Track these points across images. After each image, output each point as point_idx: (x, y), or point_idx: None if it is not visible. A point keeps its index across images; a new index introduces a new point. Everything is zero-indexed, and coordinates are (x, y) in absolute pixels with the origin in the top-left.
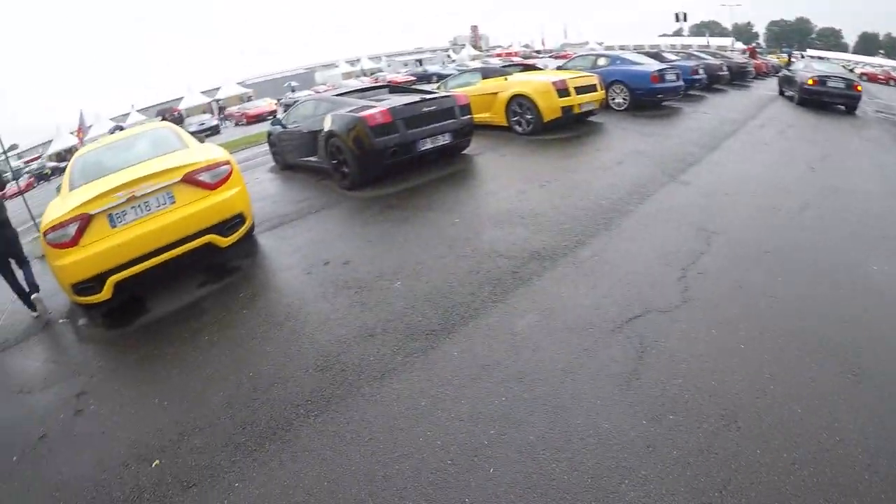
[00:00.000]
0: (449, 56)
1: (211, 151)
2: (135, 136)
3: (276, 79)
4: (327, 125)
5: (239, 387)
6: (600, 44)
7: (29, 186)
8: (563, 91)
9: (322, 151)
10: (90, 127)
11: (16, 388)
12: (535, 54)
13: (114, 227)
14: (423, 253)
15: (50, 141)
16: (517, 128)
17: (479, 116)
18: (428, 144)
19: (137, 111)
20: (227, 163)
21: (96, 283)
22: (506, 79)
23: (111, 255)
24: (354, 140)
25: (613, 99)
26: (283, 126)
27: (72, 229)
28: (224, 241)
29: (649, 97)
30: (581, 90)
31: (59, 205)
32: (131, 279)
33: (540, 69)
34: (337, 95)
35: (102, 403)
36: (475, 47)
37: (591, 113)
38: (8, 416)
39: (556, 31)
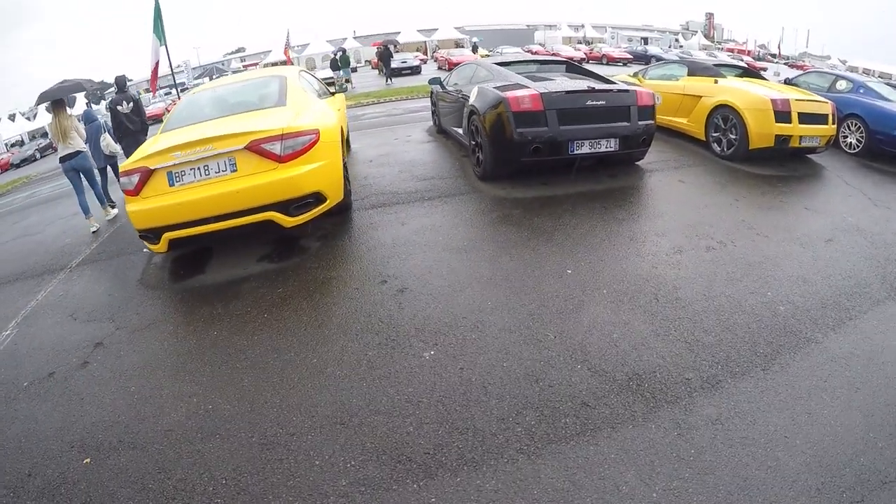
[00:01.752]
0: (677, 41)
1: (305, 116)
2: (242, 82)
3: (494, 30)
4: (472, 98)
5: (186, 419)
6: (844, 62)
7: None
8: (783, 114)
9: (465, 126)
10: (306, 45)
11: (71, 308)
12: (769, 57)
13: (172, 185)
14: (494, 314)
15: (269, 51)
16: (715, 146)
17: (674, 121)
18: (584, 148)
19: (354, 38)
20: (312, 133)
21: (153, 235)
22: (716, 81)
23: (166, 212)
24: (493, 124)
25: (845, 137)
26: (443, 86)
27: (134, 179)
28: (289, 221)
29: (892, 147)
30: (807, 118)
31: (146, 146)
32: (191, 237)
33: (763, 79)
34: (496, 63)
35: (102, 366)
36: (707, 37)
37: (812, 150)
38: (49, 337)
39: (799, 37)
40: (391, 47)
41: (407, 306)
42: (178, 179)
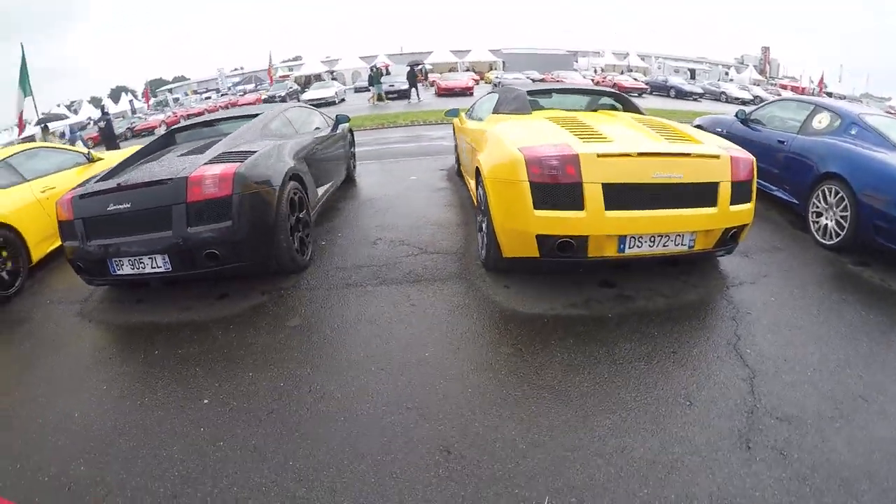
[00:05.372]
0: (727, 74)
1: None
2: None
3: (531, 53)
4: None
5: None
6: None
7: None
8: (557, 191)
9: None
10: (338, 60)
11: None
12: (823, 95)
13: None
14: None
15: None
16: (481, 241)
17: (470, 185)
18: (124, 268)
19: (387, 55)
20: None
21: None
22: (497, 122)
23: None
24: None
25: (818, 215)
26: None
27: None
28: None
29: None
30: (644, 196)
31: None
32: None
33: (635, 113)
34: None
35: None
36: (761, 72)
37: (674, 258)
38: None
39: (860, 79)
40: (416, 68)
41: None
42: None
